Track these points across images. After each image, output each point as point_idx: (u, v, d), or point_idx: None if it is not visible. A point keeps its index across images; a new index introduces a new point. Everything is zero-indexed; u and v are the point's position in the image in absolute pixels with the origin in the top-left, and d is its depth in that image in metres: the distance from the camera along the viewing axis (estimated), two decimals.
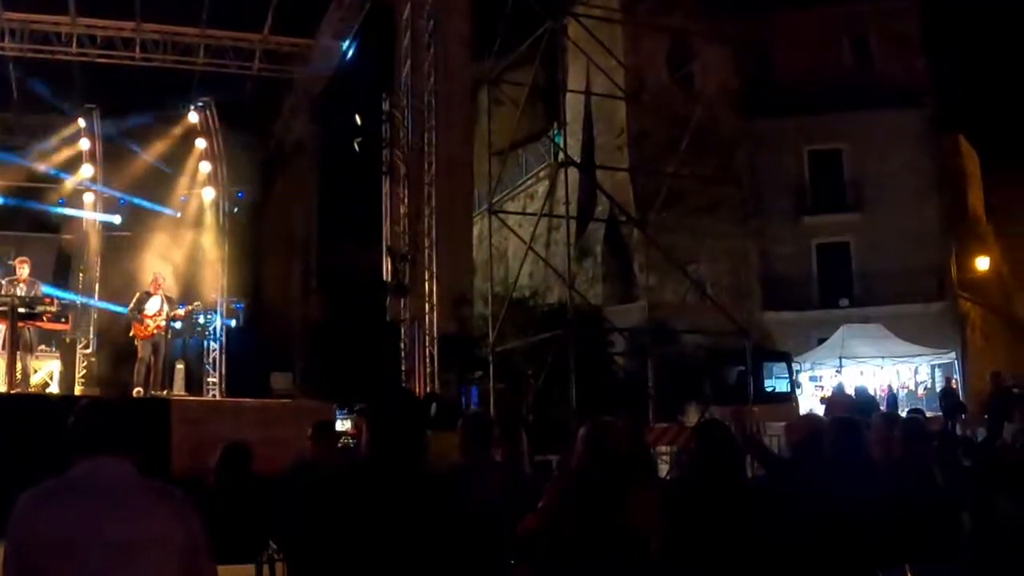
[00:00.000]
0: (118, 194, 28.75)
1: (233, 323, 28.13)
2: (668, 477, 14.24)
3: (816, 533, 6.42)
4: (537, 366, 19.54)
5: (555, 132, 22.59)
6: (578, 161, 22.67)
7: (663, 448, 17.43)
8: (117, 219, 28.83)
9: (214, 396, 25.74)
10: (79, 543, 4.12)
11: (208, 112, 27.51)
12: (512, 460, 7.99)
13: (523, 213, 24.14)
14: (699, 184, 22.09)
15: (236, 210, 28.58)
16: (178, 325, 23.05)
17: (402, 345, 22.97)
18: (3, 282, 21.13)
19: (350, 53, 26.25)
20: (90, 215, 28.83)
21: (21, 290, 20.34)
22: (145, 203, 28.43)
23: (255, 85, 29.35)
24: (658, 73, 23.22)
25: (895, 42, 37.02)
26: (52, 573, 4.16)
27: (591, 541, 5.86)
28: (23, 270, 20.76)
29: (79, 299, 27.39)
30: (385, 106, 24.97)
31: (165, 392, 21.67)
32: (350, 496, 5.00)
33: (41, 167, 28.71)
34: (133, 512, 4.26)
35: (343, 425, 17.61)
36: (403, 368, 22.76)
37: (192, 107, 27.67)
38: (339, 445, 12.08)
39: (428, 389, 21.38)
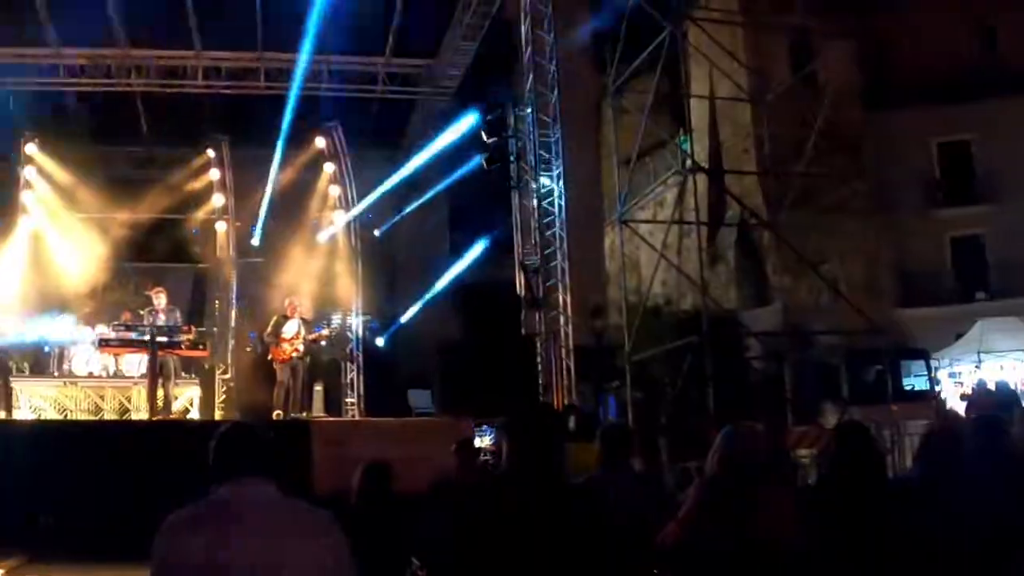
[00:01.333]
0: (250, 221, 29.18)
1: (374, 342, 28.40)
2: (810, 481, 14.13)
3: (962, 535, 6.33)
4: (673, 374, 19.48)
5: (681, 138, 22.45)
6: (705, 166, 22.54)
7: (803, 452, 17.32)
8: (251, 245, 29.27)
9: (353, 416, 25.98)
10: (224, 565, 4.18)
11: (335, 136, 27.81)
12: (651, 469, 8.01)
13: (653, 221, 23.99)
14: (827, 182, 21.92)
15: (374, 233, 28.90)
16: (315, 347, 23.29)
17: (538, 358, 22.98)
18: (142, 312, 21.56)
19: (473, 70, 26.35)
20: (224, 243, 29.25)
21: (160, 320, 20.73)
22: (277, 229, 28.77)
23: (380, 107, 29.57)
24: (781, 72, 23.00)
25: (1022, 27, 36.27)
26: None
27: (729, 548, 5.85)
28: (160, 300, 21.16)
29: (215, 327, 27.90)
30: (510, 120, 25.05)
31: (305, 414, 21.90)
32: (492, 511, 5.03)
33: (174, 199, 29.16)
34: (277, 533, 4.31)
35: (482, 442, 17.69)
36: (540, 381, 22.77)
37: (319, 132, 28.01)
38: (479, 461, 12.12)
39: (566, 401, 21.37)
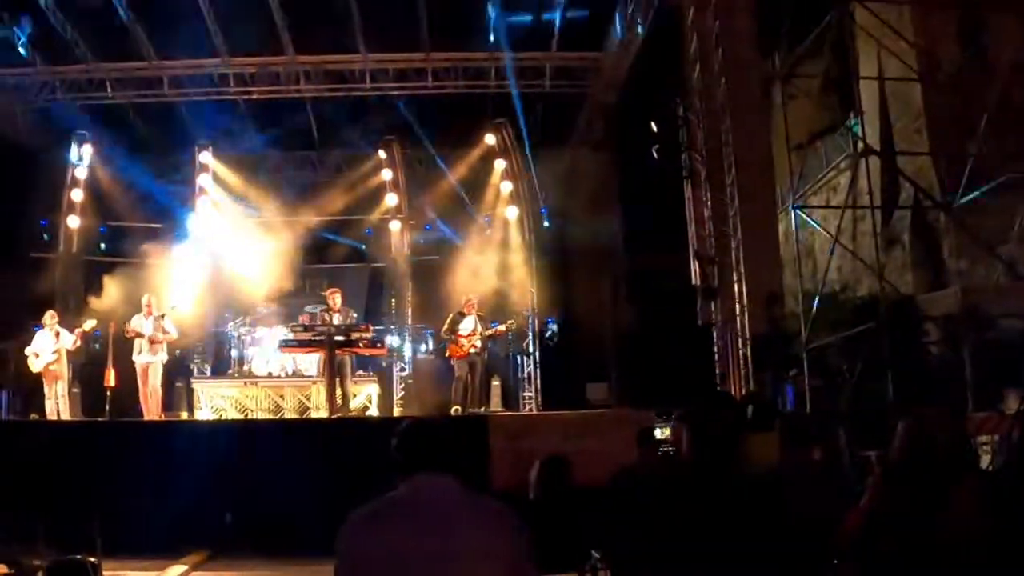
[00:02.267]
0: (424, 220, 29.48)
1: (548, 335, 28.48)
2: (991, 468, 13.87)
3: None
4: (851, 361, 19.21)
5: (852, 121, 22.08)
6: (877, 149, 22.14)
7: (983, 438, 16.96)
8: (425, 243, 29.59)
9: (531, 410, 26.11)
10: (407, 560, 4.28)
11: (505, 132, 27.97)
12: (831, 458, 7.91)
13: (827, 207, 23.65)
14: (1003, 160, 21.44)
15: (544, 225, 28.97)
16: (492, 343, 23.43)
17: (715, 348, 22.84)
18: (318, 312, 21.96)
19: (639, 61, 26.22)
20: (398, 242, 29.58)
21: (336, 319, 21.08)
22: (450, 226, 29.03)
23: (548, 102, 29.61)
24: (950, 50, 22.48)
25: None
26: None
27: (914, 539, 5.76)
28: (336, 300, 21.61)
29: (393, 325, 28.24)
30: (679, 110, 24.90)
31: (483, 409, 22.13)
32: (673, 502, 5.06)
33: (347, 200, 29.57)
34: (459, 528, 4.40)
35: (661, 433, 17.64)
36: (717, 371, 22.63)
37: (488, 129, 28.17)
38: (660, 453, 12.08)
39: (744, 391, 21.22)
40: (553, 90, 28.78)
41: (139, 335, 21.61)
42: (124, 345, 22.49)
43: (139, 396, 21.70)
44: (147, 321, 21.71)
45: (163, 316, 21.89)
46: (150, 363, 21.63)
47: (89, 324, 22.44)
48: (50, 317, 21.95)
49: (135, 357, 21.71)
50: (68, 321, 22.80)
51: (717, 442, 5.16)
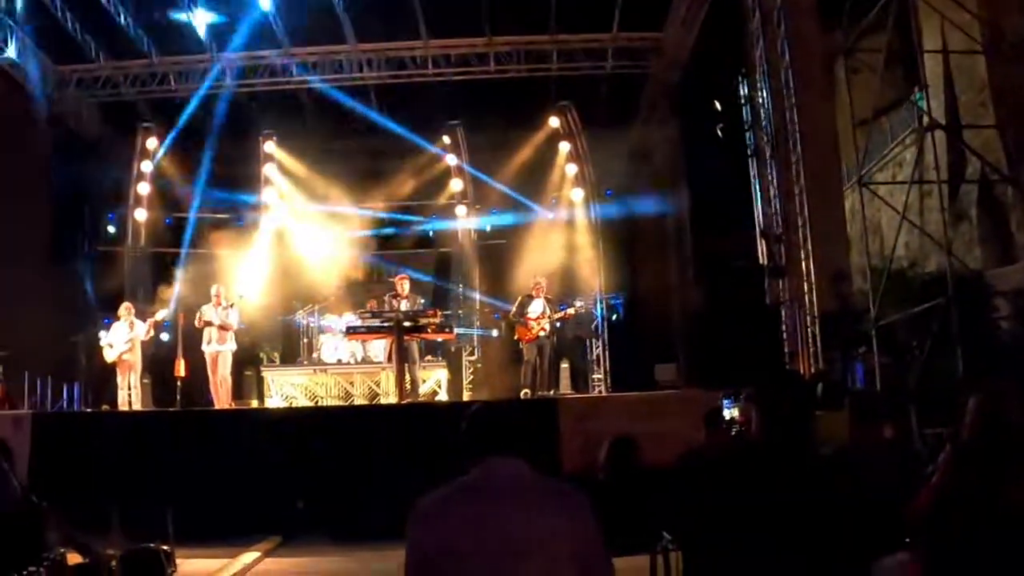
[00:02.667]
0: (489, 204, 29.53)
1: (614, 318, 28.49)
2: None
3: None
4: (921, 337, 19.09)
5: (917, 96, 21.90)
6: (943, 123, 21.95)
7: None
8: (491, 227, 29.62)
9: (600, 392, 26.11)
10: (479, 545, 4.29)
11: (569, 115, 27.97)
12: (901, 436, 7.85)
13: (893, 182, 23.46)
14: None
15: (610, 207, 28.93)
16: (560, 325, 23.43)
17: (783, 327, 22.77)
18: (386, 298, 22.02)
19: (701, 39, 26.13)
20: (464, 226, 29.67)
21: (404, 305, 21.13)
22: (515, 210, 29.05)
23: (611, 83, 29.57)
24: (1014, 21, 22.23)
25: None
26: (453, 574, 4.30)
27: (985, 517, 5.71)
28: (403, 286, 21.64)
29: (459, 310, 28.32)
30: (743, 88, 24.80)
31: (552, 392, 22.09)
32: (744, 482, 5.05)
33: (413, 186, 29.67)
34: (531, 511, 4.41)
35: (730, 412, 17.58)
36: (786, 350, 22.56)
37: (552, 112, 28.19)
38: (729, 432, 12.04)
39: (813, 369, 21.14)
40: (615, 71, 28.71)
41: (209, 324, 21.76)
42: (193, 335, 22.68)
43: (209, 385, 21.86)
44: (216, 311, 21.86)
45: (231, 305, 22.03)
46: (219, 352, 21.78)
47: (161, 314, 22.67)
48: (125, 309, 22.17)
49: (204, 347, 21.87)
50: (137, 313, 22.99)
51: (787, 422, 5.14)
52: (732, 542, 4.95)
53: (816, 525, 4.83)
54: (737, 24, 24.53)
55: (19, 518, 8.69)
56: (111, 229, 29.78)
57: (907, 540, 6.34)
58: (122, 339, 21.66)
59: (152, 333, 22.42)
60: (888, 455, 7.32)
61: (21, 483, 8.97)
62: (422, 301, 22.38)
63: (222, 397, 21.70)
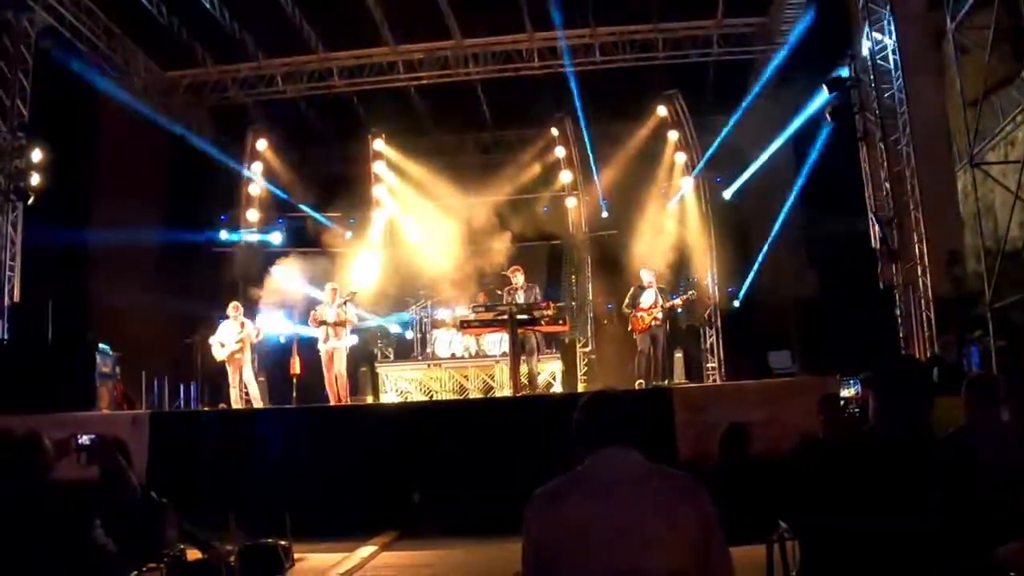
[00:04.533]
0: (600, 195, 29.53)
1: (733, 305, 28.39)
2: None
3: None
4: None
5: None
6: None
7: None
8: (603, 218, 29.65)
9: (714, 381, 26.03)
10: (595, 535, 4.32)
11: (676, 103, 27.90)
12: (1021, 419, 7.72)
13: (1005, 162, 23.09)
14: None
15: (721, 194, 28.82)
16: (674, 315, 23.40)
17: (898, 311, 22.54)
18: (500, 292, 22.09)
19: (808, 23, 25.91)
20: (575, 218, 29.73)
21: (519, 298, 21.17)
22: (627, 200, 29.04)
23: (718, 70, 29.43)
24: None
25: None
26: (570, 565, 4.33)
27: None
28: (518, 278, 21.67)
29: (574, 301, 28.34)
30: (850, 71, 24.58)
31: (666, 381, 22.07)
32: (862, 469, 5.00)
33: (523, 179, 29.75)
34: (646, 500, 4.44)
35: (847, 392, 17.41)
36: (900, 334, 22.34)
37: (660, 101, 28.12)
38: (845, 415, 11.92)
39: (929, 353, 20.91)
40: (722, 58, 28.56)
41: (323, 323, 21.94)
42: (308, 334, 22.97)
43: (324, 383, 22.04)
44: (331, 308, 22.05)
45: (345, 303, 22.18)
46: (335, 349, 21.98)
47: (272, 313, 22.99)
48: (233, 308, 22.48)
49: (320, 345, 22.07)
50: (250, 312, 23.27)
51: (906, 407, 5.08)
52: (851, 530, 4.90)
53: (936, 510, 4.77)
54: (842, 5, 24.31)
55: (139, 515, 8.81)
56: (223, 233, 30.06)
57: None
58: (232, 338, 21.98)
59: (262, 336, 22.72)
60: (1008, 439, 7.22)
61: (139, 481, 9.08)
62: (537, 293, 22.34)
63: (339, 394, 21.88)
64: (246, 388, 22.40)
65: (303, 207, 30.29)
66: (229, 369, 22.22)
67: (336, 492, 16.54)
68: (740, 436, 10.46)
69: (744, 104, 28.49)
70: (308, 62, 29.09)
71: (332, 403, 21.64)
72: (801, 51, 26.64)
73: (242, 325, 22.25)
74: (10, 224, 23.29)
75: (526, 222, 30.63)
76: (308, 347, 23.04)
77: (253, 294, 26.08)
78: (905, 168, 22.24)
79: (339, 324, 22.00)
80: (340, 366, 22.05)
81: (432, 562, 14.66)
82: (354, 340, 22.99)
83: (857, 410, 15.04)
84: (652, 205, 28.98)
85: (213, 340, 22.29)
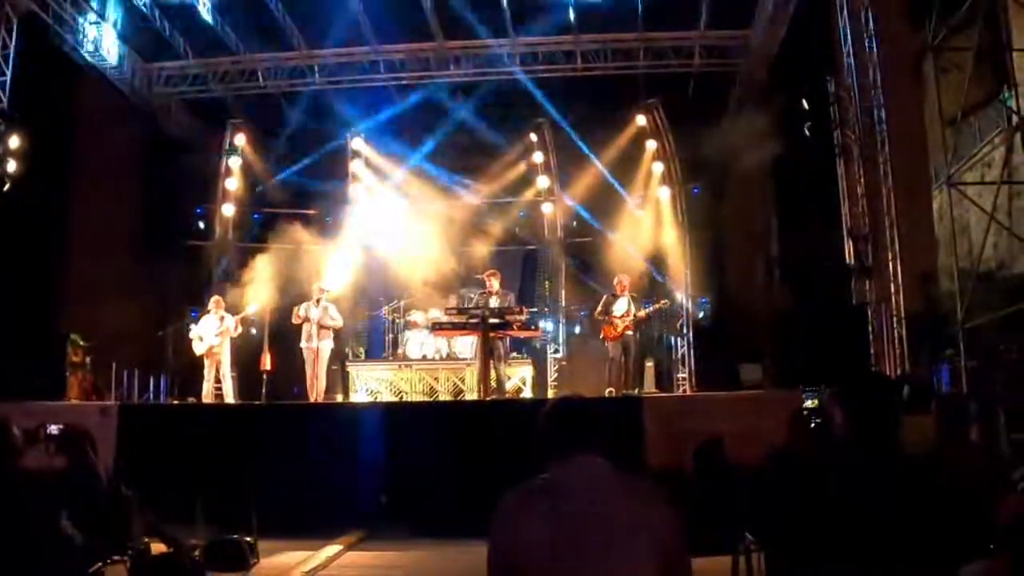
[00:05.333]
0: (575, 202, 29.56)
1: (701, 316, 28.48)
2: None
3: None
4: (1009, 340, 18.90)
5: (1006, 95, 21.65)
6: None
7: None
8: (577, 225, 29.69)
9: (684, 391, 26.09)
10: (561, 542, 4.33)
11: (656, 113, 27.93)
12: (989, 440, 7.76)
13: (981, 183, 23.17)
14: None
15: (696, 205, 28.86)
16: (646, 324, 23.47)
17: (870, 328, 22.62)
18: (473, 296, 22.15)
19: (789, 37, 26.02)
20: (551, 224, 29.77)
21: (494, 302, 21.21)
22: (602, 207, 29.09)
23: (698, 81, 29.51)
24: None
25: None
26: (535, 573, 4.31)
27: None
28: (494, 282, 21.65)
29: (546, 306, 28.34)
30: (830, 87, 24.66)
31: (637, 390, 22.11)
32: (829, 483, 5.02)
33: (500, 183, 29.76)
34: (611, 509, 4.43)
35: (809, 403, 17.49)
36: (872, 351, 22.41)
37: (639, 109, 28.15)
38: (810, 426, 11.98)
39: (899, 371, 20.98)
40: (703, 69, 28.67)
41: (307, 321, 21.94)
42: (279, 330, 22.95)
43: (305, 381, 22.04)
44: (316, 308, 22.03)
45: (329, 303, 22.21)
46: (320, 348, 21.97)
47: (251, 309, 22.94)
48: (215, 302, 22.52)
49: (303, 343, 22.03)
50: (225, 307, 23.27)
51: (874, 423, 5.10)
52: (816, 544, 4.93)
53: (903, 528, 4.79)
54: (825, 21, 24.40)
55: (105, 507, 8.80)
56: (200, 224, 30.01)
57: (992, 546, 6.27)
58: (212, 332, 22.00)
59: (241, 328, 22.70)
60: (975, 459, 7.26)
61: (107, 473, 9.07)
62: (512, 298, 22.35)
63: (317, 393, 21.90)
64: (219, 383, 22.39)
65: (279, 203, 30.23)
66: (206, 363, 22.22)
67: (303, 490, 16.52)
68: (712, 448, 10.51)
69: (724, 116, 28.58)
70: (290, 58, 29.11)
71: (312, 400, 21.64)
72: (781, 65, 26.74)
73: (222, 319, 22.25)
74: None
75: (502, 226, 30.62)
76: (279, 343, 23.05)
77: (227, 289, 26.02)
78: (882, 186, 22.31)
79: (322, 325, 22.00)
80: (321, 366, 22.07)
81: (398, 563, 14.66)
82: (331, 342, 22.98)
83: (818, 420, 15.10)
84: (628, 213, 29.00)
85: (193, 334, 22.34)
